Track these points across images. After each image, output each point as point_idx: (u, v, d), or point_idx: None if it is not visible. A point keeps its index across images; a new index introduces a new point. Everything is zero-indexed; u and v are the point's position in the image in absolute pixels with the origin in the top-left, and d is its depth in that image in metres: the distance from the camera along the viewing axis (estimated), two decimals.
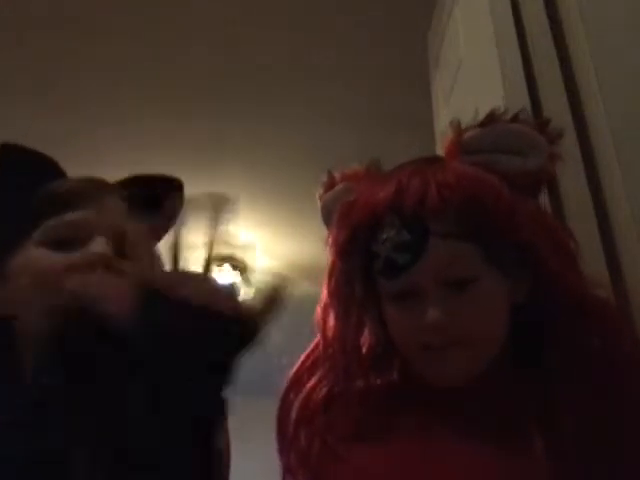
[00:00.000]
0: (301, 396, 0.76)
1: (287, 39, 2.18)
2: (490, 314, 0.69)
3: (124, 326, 0.53)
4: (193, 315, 0.53)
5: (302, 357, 0.79)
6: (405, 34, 2.09)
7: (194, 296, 0.54)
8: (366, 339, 0.78)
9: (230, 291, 0.60)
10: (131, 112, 2.45)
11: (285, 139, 2.65)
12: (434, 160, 0.74)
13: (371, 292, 0.74)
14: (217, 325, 0.54)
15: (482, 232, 0.67)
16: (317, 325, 0.77)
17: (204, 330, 0.53)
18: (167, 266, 0.63)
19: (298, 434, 0.73)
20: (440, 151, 0.79)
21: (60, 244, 0.66)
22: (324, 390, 0.75)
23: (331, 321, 0.76)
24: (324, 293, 0.76)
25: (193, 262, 0.60)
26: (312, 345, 0.78)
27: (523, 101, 1.07)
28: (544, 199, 0.99)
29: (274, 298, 0.59)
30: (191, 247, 0.59)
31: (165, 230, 0.80)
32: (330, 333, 0.75)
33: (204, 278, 0.60)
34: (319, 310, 0.77)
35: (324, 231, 0.80)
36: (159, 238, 0.80)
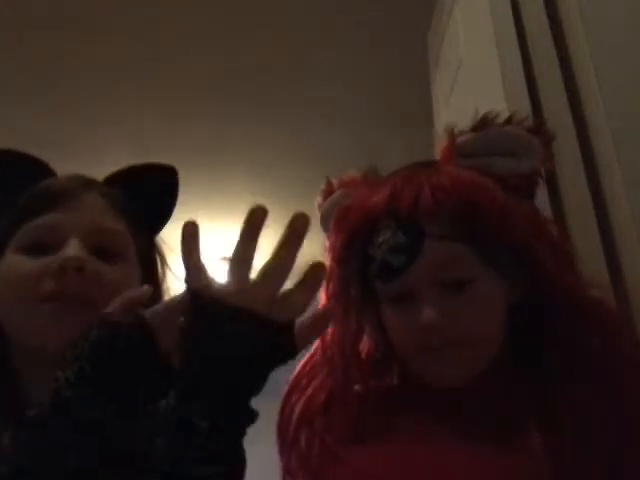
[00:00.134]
0: (302, 399, 0.76)
1: (287, 39, 2.18)
2: (487, 315, 0.69)
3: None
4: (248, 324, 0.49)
5: (302, 361, 0.79)
6: (405, 34, 2.09)
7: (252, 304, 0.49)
8: (365, 344, 0.78)
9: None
10: (131, 112, 2.45)
11: (285, 139, 2.65)
12: (429, 164, 0.75)
13: (369, 297, 0.74)
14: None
15: (477, 234, 0.67)
16: None
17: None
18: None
19: (298, 436, 0.73)
20: (439, 152, 0.79)
21: (36, 249, 0.65)
22: (324, 393, 0.75)
23: (330, 325, 0.76)
24: (322, 298, 0.76)
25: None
26: (312, 349, 0.78)
27: (523, 101, 1.08)
28: (544, 199, 0.99)
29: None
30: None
31: (164, 219, 0.79)
32: (329, 337, 0.75)
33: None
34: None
35: (324, 233, 0.80)
36: (158, 228, 0.79)
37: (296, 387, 0.78)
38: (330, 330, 0.75)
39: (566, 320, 0.68)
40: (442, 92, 1.64)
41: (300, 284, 0.50)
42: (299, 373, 0.79)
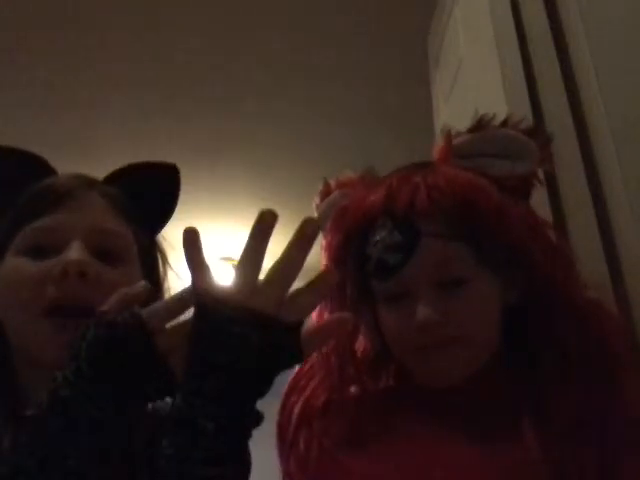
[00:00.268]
0: (300, 401, 0.76)
1: (287, 39, 2.18)
2: (483, 314, 0.69)
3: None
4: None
5: None
6: (405, 34, 2.09)
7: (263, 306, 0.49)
8: (361, 344, 0.78)
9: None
10: (131, 112, 2.45)
11: (285, 139, 2.65)
12: (425, 165, 0.75)
13: (365, 296, 0.74)
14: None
15: (473, 233, 0.67)
16: None
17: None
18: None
19: (297, 439, 0.73)
20: (436, 152, 0.79)
21: (37, 251, 0.64)
22: (323, 395, 0.75)
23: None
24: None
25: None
26: None
27: (523, 101, 1.08)
28: (544, 199, 0.99)
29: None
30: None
31: (165, 218, 0.79)
32: None
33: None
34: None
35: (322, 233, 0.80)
36: (159, 227, 0.78)
37: (295, 388, 0.78)
38: None
39: (561, 321, 0.68)
40: (442, 92, 1.64)
41: (309, 286, 0.50)
42: (297, 373, 0.79)
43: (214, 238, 3.19)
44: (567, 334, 0.67)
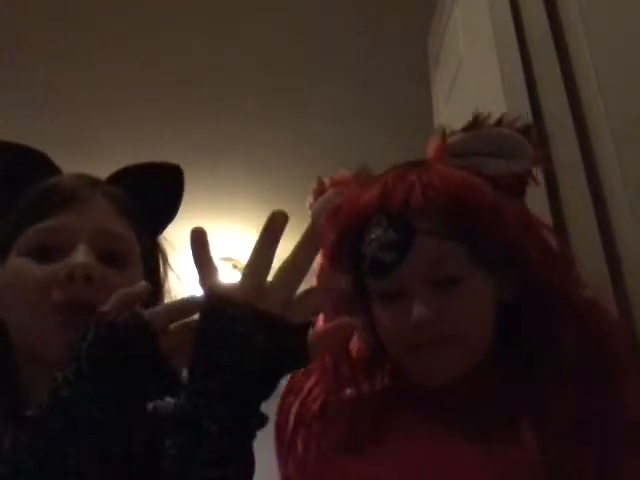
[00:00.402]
0: (297, 402, 0.76)
1: (287, 39, 2.18)
2: (478, 313, 0.69)
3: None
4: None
5: None
6: (405, 34, 2.09)
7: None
8: (355, 344, 0.78)
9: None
10: (131, 112, 2.45)
11: (285, 139, 2.65)
12: (420, 163, 0.75)
13: (360, 295, 0.74)
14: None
15: (468, 232, 0.67)
16: None
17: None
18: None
19: (295, 441, 0.73)
20: (431, 151, 0.79)
21: (41, 253, 0.64)
22: (319, 396, 0.75)
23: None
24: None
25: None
26: None
27: (523, 101, 1.08)
28: (544, 199, 0.99)
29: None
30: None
31: (168, 219, 0.78)
32: None
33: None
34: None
35: None
36: (162, 228, 0.78)
37: (291, 388, 0.78)
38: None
39: (559, 320, 0.68)
40: (442, 92, 1.64)
41: (316, 287, 0.51)
42: (294, 374, 0.79)
43: (214, 238, 3.19)
44: (565, 334, 0.67)
